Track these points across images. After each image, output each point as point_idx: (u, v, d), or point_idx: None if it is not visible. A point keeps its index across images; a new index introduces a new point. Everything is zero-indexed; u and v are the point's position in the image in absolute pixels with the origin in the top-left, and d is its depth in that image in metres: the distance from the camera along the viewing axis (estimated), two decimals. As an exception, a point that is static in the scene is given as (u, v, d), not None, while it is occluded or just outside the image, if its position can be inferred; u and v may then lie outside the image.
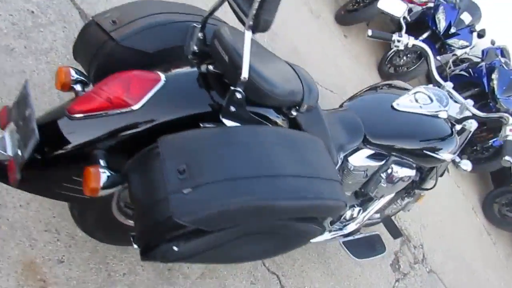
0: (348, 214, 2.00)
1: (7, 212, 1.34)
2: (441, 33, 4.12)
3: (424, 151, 1.81)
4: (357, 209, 2.02)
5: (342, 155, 1.66)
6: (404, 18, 1.93)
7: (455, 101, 1.96)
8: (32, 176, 0.99)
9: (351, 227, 2.11)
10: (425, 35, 4.26)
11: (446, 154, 1.87)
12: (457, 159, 2.12)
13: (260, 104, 1.18)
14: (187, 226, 0.90)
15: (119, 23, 1.17)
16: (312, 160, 1.10)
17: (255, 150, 1.00)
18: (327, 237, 2.03)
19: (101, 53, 1.15)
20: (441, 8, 4.17)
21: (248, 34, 0.98)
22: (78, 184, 1.05)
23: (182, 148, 0.94)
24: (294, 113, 1.27)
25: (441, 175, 2.12)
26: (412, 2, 4.24)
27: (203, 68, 1.15)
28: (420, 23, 4.35)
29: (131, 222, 1.35)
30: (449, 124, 1.86)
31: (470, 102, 1.94)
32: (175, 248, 0.93)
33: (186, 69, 1.14)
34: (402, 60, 4.38)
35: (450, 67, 4.73)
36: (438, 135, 1.83)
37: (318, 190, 1.05)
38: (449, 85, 1.96)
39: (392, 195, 2.07)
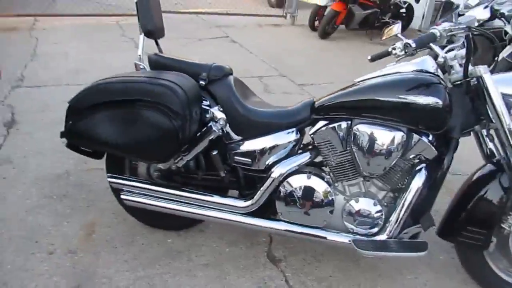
0: (365, 212, 1.75)
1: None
2: None
3: (390, 99, 1.64)
4: (373, 205, 1.74)
5: (294, 130, 1.82)
6: None
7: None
8: None
9: (381, 236, 1.75)
10: None
11: (426, 98, 1.59)
12: None
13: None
14: (80, 111, 1.69)
15: None
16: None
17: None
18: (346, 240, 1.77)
19: None
20: None
21: (141, 36, 1.90)
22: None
23: None
24: (201, 82, 1.85)
25: None
26: None
27: None
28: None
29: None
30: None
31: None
32: (70, 122, 1.69)
33: None
34: None
35: None
36: (410, 83, 1.65)
37: (145, 80, 1.61)
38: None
39: (420, 183, 1.68)
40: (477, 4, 4.54)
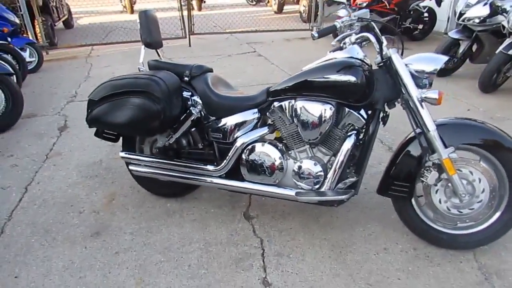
0: (308, 171, 2.20)
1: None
2: None
3: (318, 80, 2.06)
4: (314, 165, 2.18)
5: (256, 110, 2.32)
6: None
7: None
8: None
9: (321, 189, 2.18)
10: None
11: (345, 77, 2.01)
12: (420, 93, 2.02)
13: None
14: (95, 102, 2.34)
15: None
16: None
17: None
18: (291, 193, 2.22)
19: None
20: None
21: (142, 47, 2.54)
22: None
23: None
24: (185, 78, 2.43)
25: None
26: None
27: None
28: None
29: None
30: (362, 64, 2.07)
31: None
32: (89, 111, 2.34)
33: None
34: None
35: None
36: (335, 66, 2.07)
37: (138, 76, 2.22)
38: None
39: (349, 146, 2.09)
40: (477, 2, 4.75)
